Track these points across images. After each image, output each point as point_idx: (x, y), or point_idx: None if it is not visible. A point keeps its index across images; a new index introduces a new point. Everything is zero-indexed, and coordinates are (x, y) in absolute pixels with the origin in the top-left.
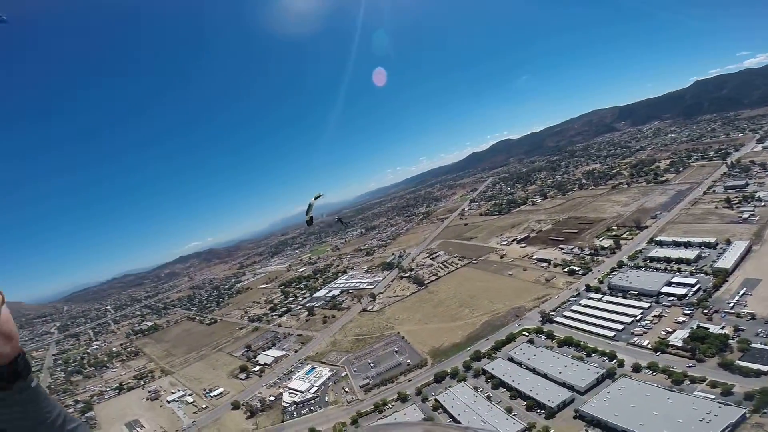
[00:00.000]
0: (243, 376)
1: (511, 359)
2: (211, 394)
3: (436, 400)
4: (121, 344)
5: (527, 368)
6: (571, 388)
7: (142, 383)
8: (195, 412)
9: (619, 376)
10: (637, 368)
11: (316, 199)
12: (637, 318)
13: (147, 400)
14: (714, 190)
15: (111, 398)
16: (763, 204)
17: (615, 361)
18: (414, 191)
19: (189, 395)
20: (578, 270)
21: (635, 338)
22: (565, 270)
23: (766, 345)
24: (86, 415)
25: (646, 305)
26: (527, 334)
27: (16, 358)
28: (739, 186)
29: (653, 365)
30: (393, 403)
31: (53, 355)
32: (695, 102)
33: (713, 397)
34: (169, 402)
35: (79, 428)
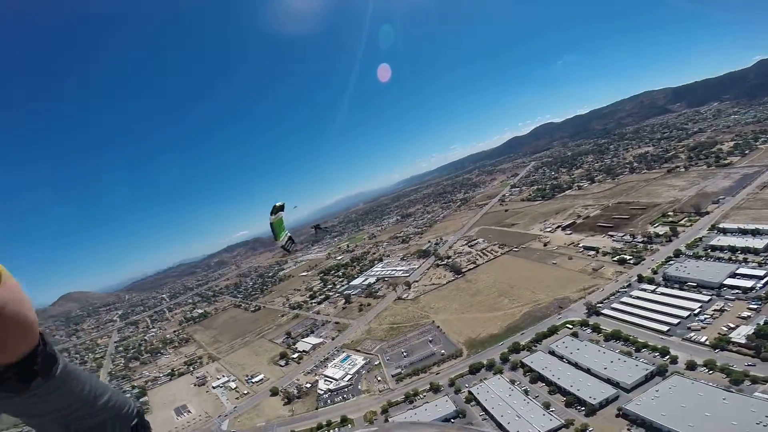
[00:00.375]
0: (283, 362)
1: (552, 353)
2: (253, 380)
3: (469, 392)
4: (174, 331)
5: (569, 362)
6: (616, 384)
7: (191, 369)
8: (237, 398)
9: (670, 374)
10: (691, 366)
11: (276, 213)
12: (695, 312)
13: (195, 385)
14: None
15: (163, 384)
16: None
17: (667, 357)
18: (451, 178)
19: (232, 381)
20: (629, 259)
21: (692, 334)
22: (615, 259)
23: None
24: (141, 399)
25: (706, 298)
26: (571, 326)
27: (33, 352)
28: None
29: (710, 363)
30: (424, 394)
31: (115, 342)
32: (760, 82)
33: None
34: (214, 388)
35: (112, 398)
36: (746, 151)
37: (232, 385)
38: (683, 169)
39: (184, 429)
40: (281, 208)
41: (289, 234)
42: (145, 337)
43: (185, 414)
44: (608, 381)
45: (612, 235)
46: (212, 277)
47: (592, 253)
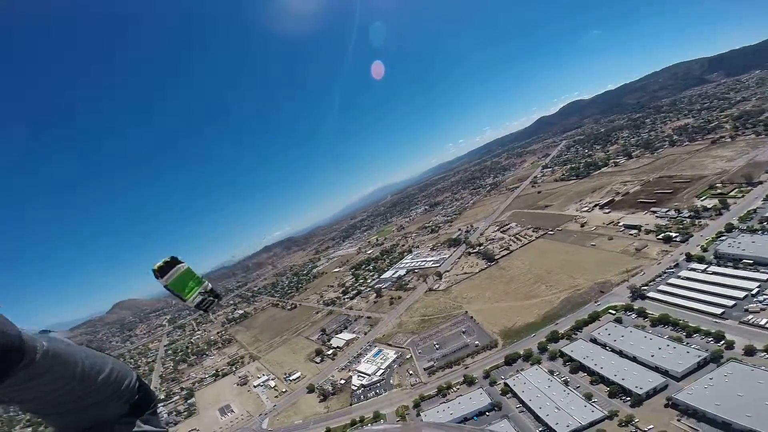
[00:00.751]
0: (318, 359)
1: (594, 340)
2: (290, 378)
3: (505, 384)
4: (218, 333)
5: (613, 350)
6: (664, 373)
7: (234, 369)
8: (276, 396)
9: (726, 361)
10: (750, 351)
11: (166, 275)
12: (753, 292)
13: (237, 385)
14: None
15: (209, 384)
16: None
17: (723, 342)
18: (479, 163)
19: (271, 380)
20: (675, 236)
21: (750, 316)
22: (660, 237)
23: None
24: (188, 401)
25: (765, 277)
26: (614, 312)
27: None
28: None
29: None
30: (458, 387)
31: (165, 345)
32: None
33: None
34: (255, 387)
35: (113, 372)
36: None
37: (272, 383)
38: (729, 139)
39: (228, 428)
40: (172, 263)
41: (209, 286)
42: (191, 340)
43: (229, 414)
44: (656, 369)
45: (655, 212)
46: (251, 278)
47: (633, 231)
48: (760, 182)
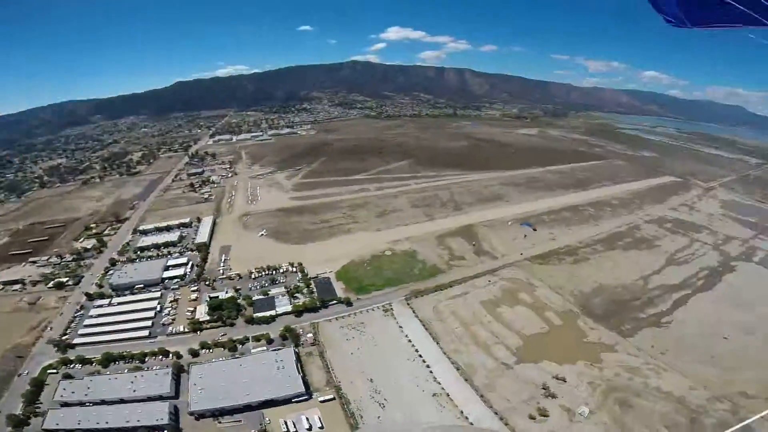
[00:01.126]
0: None
1: (65, 404)
2: None
3: None
4: None
5: (93, 404)
6: (159, 398)
7: None
8: None
9: (188, 366)
10: (194, 353)
11: None
12: (158, 309)
13: None
14: (180, 178)
15: None
16: (216, 185)
17: (171, 356)
18: None
19: None
20: (67, 281)
21: (170, 328)
22: (51, 286)
23: (261, 295)
24: None
25: (158, 294)
26: (55, 371)
27: None
28: (198, 172)
29: (205, 345)
30: None
31: None
32: (171, 101)
33: (266, 348)
34: None
35: None
36: (152, 161)
37: None
38: (99, 180)
39: None
40: None
41: None
42: None
43: None
44: (149, 399)
45: (35, 261)
46: None
47: (17, 287)
48: (127, 218)
